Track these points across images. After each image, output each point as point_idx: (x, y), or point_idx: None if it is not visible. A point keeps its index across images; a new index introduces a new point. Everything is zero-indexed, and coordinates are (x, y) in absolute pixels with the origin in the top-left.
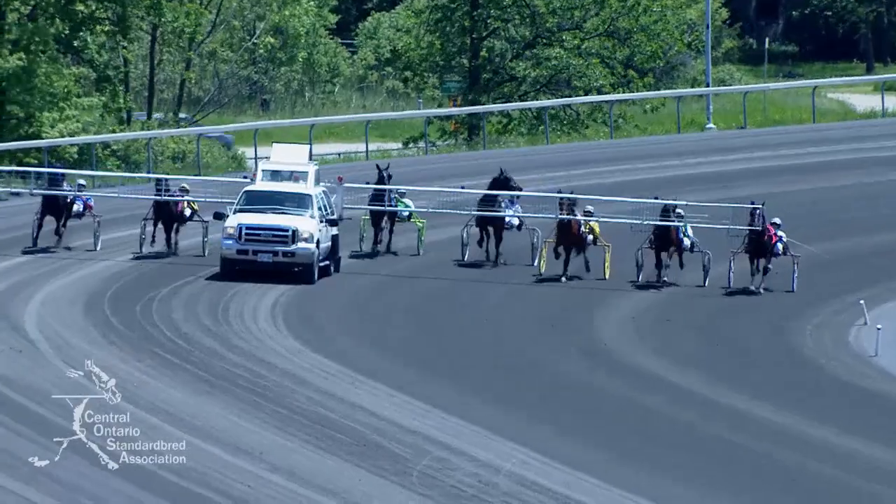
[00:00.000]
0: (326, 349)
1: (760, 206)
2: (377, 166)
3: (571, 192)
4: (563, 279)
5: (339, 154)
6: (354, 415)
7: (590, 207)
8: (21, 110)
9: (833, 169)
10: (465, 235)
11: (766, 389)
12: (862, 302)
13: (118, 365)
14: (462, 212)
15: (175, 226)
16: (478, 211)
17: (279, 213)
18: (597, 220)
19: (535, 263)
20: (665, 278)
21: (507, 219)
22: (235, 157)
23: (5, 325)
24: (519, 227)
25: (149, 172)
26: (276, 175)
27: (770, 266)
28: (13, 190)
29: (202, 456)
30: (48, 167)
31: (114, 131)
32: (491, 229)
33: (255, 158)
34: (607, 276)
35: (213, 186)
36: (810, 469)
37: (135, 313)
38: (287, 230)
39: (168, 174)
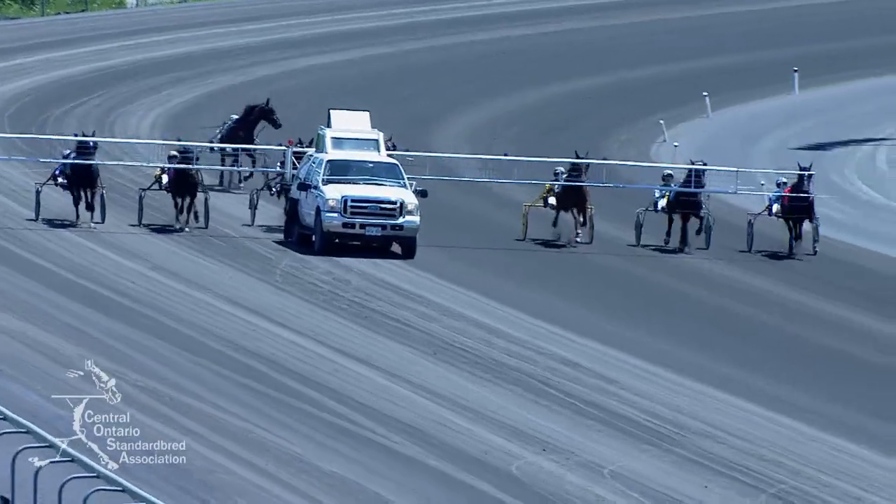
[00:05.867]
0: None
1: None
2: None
3: (588, 155)
4: (575, 242)
5: None
6: (230, 223)
7: (560, 168)
8: None
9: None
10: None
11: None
12: (661, 122)
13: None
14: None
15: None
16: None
17: (375, 184)
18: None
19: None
20: (688, 248)
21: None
22: None
23: None
24: (246, 179)
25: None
26: (341, 143)
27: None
28: None
29: (96, 258)
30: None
31: None
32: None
33: None
34: (591, 241)
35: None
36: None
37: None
38: (395, 202)
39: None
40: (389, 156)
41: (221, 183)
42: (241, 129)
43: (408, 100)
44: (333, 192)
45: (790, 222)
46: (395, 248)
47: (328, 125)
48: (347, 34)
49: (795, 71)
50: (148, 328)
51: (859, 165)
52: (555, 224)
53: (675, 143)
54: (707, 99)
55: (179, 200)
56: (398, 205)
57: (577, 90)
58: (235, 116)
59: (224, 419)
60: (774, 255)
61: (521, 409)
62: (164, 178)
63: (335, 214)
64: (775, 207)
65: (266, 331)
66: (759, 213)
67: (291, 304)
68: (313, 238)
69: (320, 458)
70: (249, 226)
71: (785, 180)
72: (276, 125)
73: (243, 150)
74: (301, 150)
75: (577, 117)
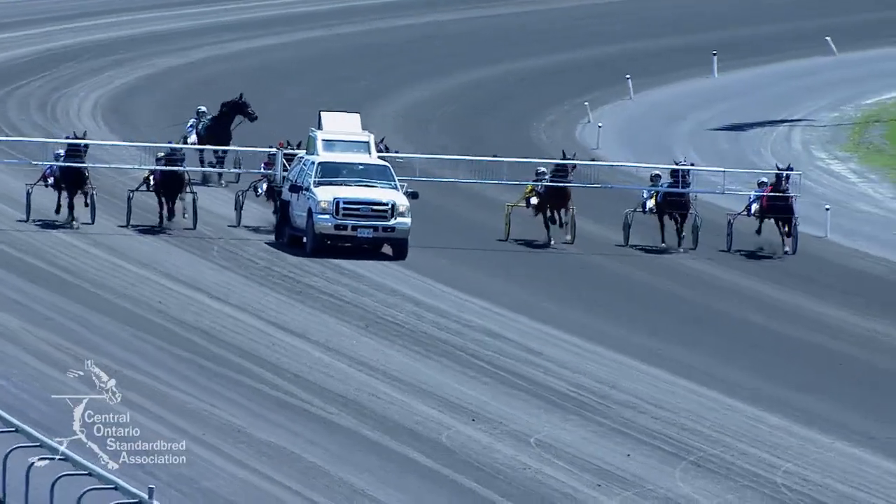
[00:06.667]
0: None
1: (793, 172)
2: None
3: (574, 156)
4: (552, 242)
5: None
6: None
7: (542, 168)
8: None
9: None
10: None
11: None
12: (586, 103)
13: None
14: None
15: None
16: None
17: (366, 185)
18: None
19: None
20: (682, 248)
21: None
22: None
23: None
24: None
25: None
26: (332, 145)
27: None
28: None
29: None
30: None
31: None
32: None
33: None
34: (573, 241)
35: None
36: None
37: None
38: (387, 204)
39: None
40: (380, 158)
41: (204, 179)
42: (218, 126)
43: (343, 82)
44: (325, 194)
45: (778, 222)
46: (386, 249)
47: (319, 127)
48: (284, 18)
49: (714, 54)
50: (89, 303)
51: (775, 146)
52: (546, 226)
53: (600, 125)
54: (630, 81)
55: (166, 201)
56: (390, 206)
57: (505, 73)
58: (203, 109)
59: (164, 391)
60: (752, 255)
61: (450, 381)
62: (152, 180)
63: (327, 216)
64: (754, 207)
65: (205, 305)
66: (739, 213)
67: (229, 279)
68: (304, 240)
69: (259, 429)
70: (235, 226)
71: (765, 180)
72: (252, 118)
73: (230, 150)
74: (291, 151)
75: (505, 99)
